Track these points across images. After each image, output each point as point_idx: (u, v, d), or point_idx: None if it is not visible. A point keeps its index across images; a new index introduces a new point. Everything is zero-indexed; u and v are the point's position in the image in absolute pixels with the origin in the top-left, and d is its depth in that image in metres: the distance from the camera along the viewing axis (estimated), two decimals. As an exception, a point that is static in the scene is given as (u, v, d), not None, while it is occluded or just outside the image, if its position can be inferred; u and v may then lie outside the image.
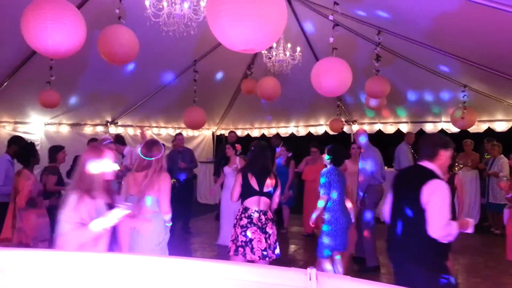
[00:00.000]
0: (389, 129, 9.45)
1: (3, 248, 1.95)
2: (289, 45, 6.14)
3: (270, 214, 3.94)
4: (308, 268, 1.47)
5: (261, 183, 3.89)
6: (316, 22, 6.32)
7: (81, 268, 1.77)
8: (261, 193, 3.88)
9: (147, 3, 4.04)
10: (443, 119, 8.61)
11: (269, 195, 3.93)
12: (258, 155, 4.03)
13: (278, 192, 4.05)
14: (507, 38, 4.30)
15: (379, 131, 9.54)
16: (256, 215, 3.83)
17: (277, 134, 10.69)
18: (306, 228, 7.17)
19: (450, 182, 4.48)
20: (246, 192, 3.90)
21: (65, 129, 7.98)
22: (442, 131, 8.72)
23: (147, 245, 3.39)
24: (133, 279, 1.71)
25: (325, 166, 4.59)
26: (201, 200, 10.28)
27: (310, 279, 1.46)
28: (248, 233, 3.77)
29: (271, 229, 3.86)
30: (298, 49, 6.18)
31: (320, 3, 5.66)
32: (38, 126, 7.53)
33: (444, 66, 6.42)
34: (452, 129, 8.32)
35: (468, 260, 5.78)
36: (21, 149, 4.60)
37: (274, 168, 7.49)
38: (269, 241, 3.81)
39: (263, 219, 3.84)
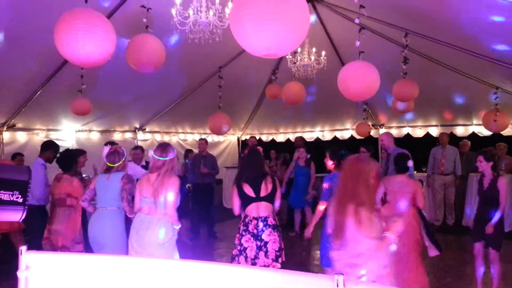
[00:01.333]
0: (418, 132, 9.24)
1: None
2: (314, 50, 6.12)
3: (271, 220, 3.75)
4: (335, 275, 1.45)
5: (256, 189, 3.74)
6: (341, 25, 6.27)
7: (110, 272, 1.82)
8: (258, 198, 3.74)
9: (173, 11, 4.12)
10: (475, 122, 8.35)
11: (269, 199, 3.78)
12: (247, 162, 3.89)
13: (278, 193, 3.87)
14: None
15: (408, 135, 9.34)
16: (253, 222, 3.71)
17: (301, 136, 10.63)
18: None
19: (493, 185, 4.33)
20: (244, 201, 3.78)
21: (95, 136, 8.22)
22: (473, 134, 8.46)
23: (152, 243, 3.47)
24: (153, 283, 1.74)
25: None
26: (226, 205, 10.33)
27: (337, 286, 1.44)
28: (243, 241, 3.69)
29: (269, 236, 3.67)
30: (323, 53, 6.14)
31: (345, 7, 5.63)
32: (70, 133, 7.78)
33: (474, 67, 6.23)
34: (484, 132, 8.06)
35: (504, 268, 5.51)
36: (63, 154, 4.73)
37: (290, 169, 7.47)
38: (265, 249, 3.65)
39: (261, 226, 3.69)
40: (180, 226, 3.71)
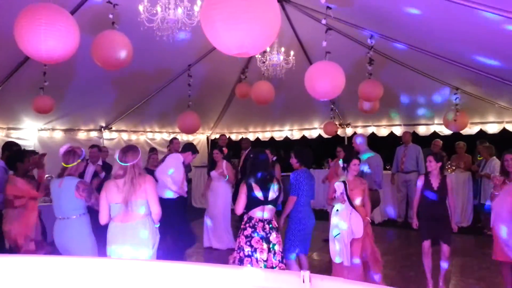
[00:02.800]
0: (383, 131, 9.51)
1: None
2: (282, 49, 6.18)
3: (274, 223, 3.83)
4: (301, 271, 1.48)
5: (265, 192, 3.78)
6: (309, 26, 6.37)
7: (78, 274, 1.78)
8: (266, 202, 3.77)
9: (140, 8, 4.05)
10: (436, 121, 8.67)
11: (274, 203, 3.85)
12: (258, 163, 3.90)
13: (281, 197, 3.98)
14: (498, 41, 4.37)
15: (373, 134, 9.60)
16: (260, 224, 3.73)
17: (247, 138, 10.73)
18: None
19: (443, 183, 4.53)
20: (251, 202, 3.77)
21: (58, 135, 7.96)
22: (434, 133, 8.80)
23: (142, 248, 3.36)
24: (131, 284, 1.72)
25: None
26: (195, 205, 10.26)
27: (303, 282, 1.47)
28: (253, 243, 3.69)
29: (275, 239, 3.76)
30: (292, 53, 6.21)
31: (313, 8, 5.71)
32: (32, 132, 7.51)
33: (436, 69, 6.49)
34: (445, 131, 8.39)
35: (461, 261, 5.82)
36: (11, 154, 4.62)
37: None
38: (273, 251, 3.72)
39: (267, 229, 3.74)
40: (159, 224, 3.55)
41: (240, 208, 3.80)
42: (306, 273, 1.48)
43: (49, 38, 3.25)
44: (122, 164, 3.37)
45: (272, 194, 3.81)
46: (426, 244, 4.59)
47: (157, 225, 3.54)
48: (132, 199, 3.32)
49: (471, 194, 7.92)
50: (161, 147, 9.67)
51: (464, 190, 7.95)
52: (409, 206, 8.29)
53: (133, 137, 9.58)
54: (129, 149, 3.47)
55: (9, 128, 7.17)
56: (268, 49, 6.00)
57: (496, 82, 5.61)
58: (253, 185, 3.78)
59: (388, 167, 9.11)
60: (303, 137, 10.51)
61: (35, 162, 4.64)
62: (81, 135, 8.41)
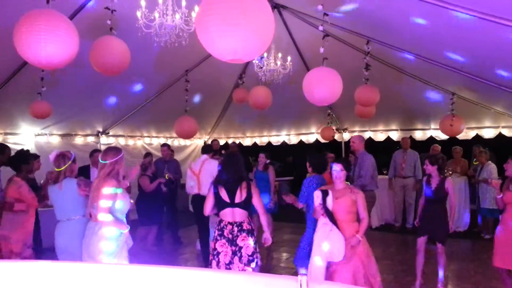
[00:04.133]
0: (380, 136, 9.55)
1: None
2: (280, 55, 6.21)
3: (246, 225, 3.80)
4: (299, 275, 1.49)
5: (231, 194, 3.77)
6: (307, 32, 6.40)
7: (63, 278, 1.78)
8: (232, 204, 3.77)
9: (138, 14, 4.07)
10: (432, 126, 8.72)
11: (244, 206, 3.80)
12: (227, 166, 3.90)
13: (255, 199, 3.86)
14: (493, 47, 4.41)
15: (370, 139, 9.63)
16: (228, 227, 3.74)
17: (235, 142, 10.85)
18: None
19: (441, 185, 4.59)
20: (218, 204, 3.81)
21: (55, 140, 7.94)
22: (431, 138, 8.84)
23: (97, 250, 3.34)
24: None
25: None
26: (192, 210, 10.23)
27: (301, 286, 1.48)
28: (217, 246, 3.73)
29: (243, 241, 3.72)
30: (289, 58, 6.24)
31: (310, 14, 5.75)
32: (29, 137, 7.49)
33: (432, 74, 6.53)
34: (441, 136, 8.43)
35: (458, 266, 5.84)
36: (16, 154, 4.62)
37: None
38: (239, 254, 3.69)
39: (235, 231, 3.73)
40: (128, 229, 3.51)
41: (207, 209, 3.88)
42: (303, 278, 1.49)
43: (49, 44, 3.26)
44: (102, 162, 3.47)
45: (238, 197, 3.77)
46: (420, 240, 4.75)
47: (124, 230, 3.47)
48: (94, 202, 3.36)
49: (468, 199, 7.96)
50: (158, 152, 9.66)
51: (461, 194, 7.98)
52: (406, 210, 8.32)
53: (130, 142, 9.57)
54: (110, 149, 3.61)
55: (6, 133, 7.15)
56: (265, 55, 6.03)
57: (491, 87, 5.66)
58: (219, 186, 3.80)
59: (385, 172, 9.15)
60: (301, 142, 10.53)
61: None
62: (78, 140, 8.39)
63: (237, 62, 3.11)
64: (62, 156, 3.84)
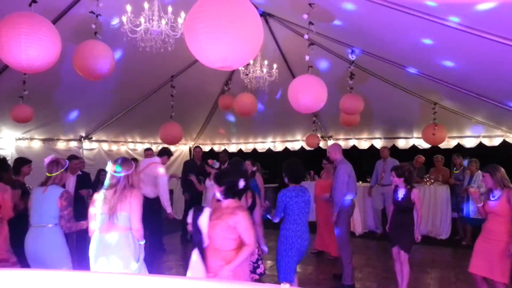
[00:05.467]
0: (363, 144, 9.66)
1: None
2: (266, 62, 6.25)
3: None
4: (282, 284, 1.49)
5: None
6: (292, 40, 6.46)
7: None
8: None
9: (124, 19, 4.05)
10: (415, 135, 8.87)
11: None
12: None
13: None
14: (474, 58, 4.52)
15: (354, 147, 9.73)
16: None
17: (225, 149, 10.89)
18: (315, 245, 6.99)
19: (408, 196, 4.71)
20: None
21: (37, 144, 7.79)
22: (413, 147, 8.98)
23: (123, 263, 3.30)
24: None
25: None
26: (177, 216, 10.13)
27: (284, 295, 1.48)
28: None
29: None
30: (275, 66, 6.28)
31: (296, 22, 5.81)
32: (9, 141, 7.34)
33: (415, 84, 6.65)
34: (424, 145, 8.58)
35: (439, 273, 5.90)
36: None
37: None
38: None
39: None
40: (144, 241, 3.52)
41: None
42: (286, 286, 1.49)
43: (30, 48, 3.21)
44: (116, 175, 3.41)
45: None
46: (393, 250, 4.87)
47: (142, 242, 3.49)
48: (117, 211, 3.32)
49: (449, 207, 8.08)
50: (143, 158, 9.57)
51: (443, 203, 8.11)
52: (387, 217, 8.43)
53: (114, 147, 9.45)
54: (124, 160, 3.55)
55: (-15, 137, 7.01)
56: (251, 62, 6.06)
57: (472, 97, 5.79)
58: None
59: (368, 179, 9.25)
60: (286, 149, 10.56)
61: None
62: (60, 145, 8.25)
63: (226, 70, 3.11)
64: (56, 163, 3.84)
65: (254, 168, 7.31)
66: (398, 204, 4.82)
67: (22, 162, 4.96)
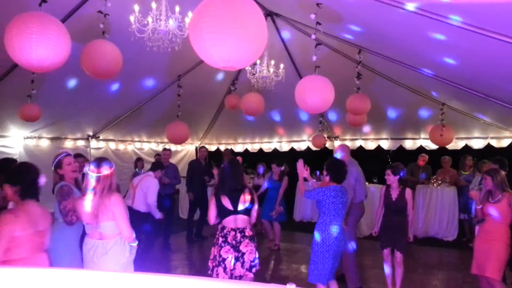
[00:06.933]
0: (370, 145, 9.61)
1: None
2: (272, 62, 6.24)
3: (248, 231, 3.86)
4: (288, 284, 1.48)
5: (234, 202, 3.83)
6: (299, 39, 6.45)
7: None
8: (235, 212, 3.82)
9: (131, 18, 4.06)
10: (422, 136, 8.81)
11: (246, 212, 3.87)
12: (228, 174, 3.93)
13: (255, 207, 3.95)
14: (483, 59, 4.48)
15: (360, 147, 9.69)
16: (231, 233, 3.79)
17: (227, 148, 10.95)
18: None
19: (401, 195, 4.72)
20: (222, 212, 3.85)
21: (45, 143, 7.86)
22: (421, 147, 8.92)
23: (108, 266, 3.22)
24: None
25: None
26: (183, 216, 10.18)
27: (290, 295, 1.47)
28: (222, 252, 3.75)
29: (245, 247, 3.77)
30: (282, 66, 6.28)
31: (303, 22, 5.80)
32: (17, 140, 7.41)
33: (423, 84, 6.61)
34: (431, 146, 8.51)
35: (446, 275, 5.86)
36: None
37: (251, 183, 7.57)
38: (241, 260, 3.75)
39: (239, 237, 3.79)
40: (137, 243, 3.44)
41: (212, 218, 3.90)
42: (292, 286, 1.48)
43: (40, 47, 3.24)
44: (95, 175, 3.25)
45: (241, 205, 3.85)
46: (385, 252, 4.86)
47: (134, 244, 3.40)
48: (100, 221, 3.20)
49: (456, 208, 8.02)
50: (149, 157, 9.62)
51: (450, 204, 8.05)
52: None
53: (121, 146, 9.50)
54: (102, 160, 3.37)
55: (-6, 136, 7.08)
56: (258, 62, 6.06)
57: (480, 98, 5.74)
58: (222, 196, 3.85)
59: (375, 180, 9.20)
60: (292, 149, 10.54)
61: None
62: (68, 144, 8.31)
63: (229, 70, 3.12)
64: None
65: (282, 168, 7.35)
66: (391, 204, 4.80)
67: (8, 162, 4.69)
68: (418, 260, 5.02)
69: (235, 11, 2.65)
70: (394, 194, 4.79)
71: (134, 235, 3.35)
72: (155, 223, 6.27)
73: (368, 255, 6.87)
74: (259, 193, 7.19)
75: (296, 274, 5.96)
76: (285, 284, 1.49)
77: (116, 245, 3.27)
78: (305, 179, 4.50)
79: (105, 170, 3.27)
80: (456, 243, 7.72)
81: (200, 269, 6.05)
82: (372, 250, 7.34)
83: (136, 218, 5.38)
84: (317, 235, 4.07)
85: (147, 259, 6.49)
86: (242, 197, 3.85)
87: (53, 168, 3.70)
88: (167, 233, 7.39)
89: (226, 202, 3.83)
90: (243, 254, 3.77)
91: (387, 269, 4.87)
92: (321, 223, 4.05)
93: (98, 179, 3.24)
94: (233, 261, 3.73)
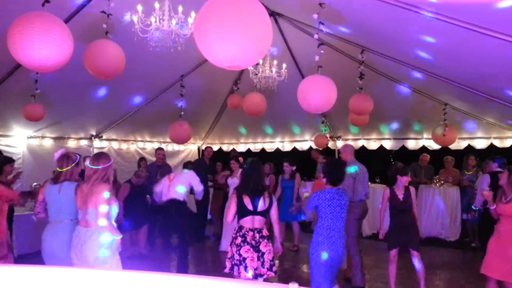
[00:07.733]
0: (373, 145, 9.59)
1: None
2: (275, 62, 6.24)
3: (265, 232, 3.91)
4: (290, 283, 1.49)
5: (255, 203, 3.87)
6: (302, 39, 6.45)
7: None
8: (255, 212, 3.86)
9: (135, 18, 4.08)
10: (425, 136, 8.78)
11: (264, 213, 3.92)
12: (251, 174, 3.96)
13: (274, 209, 4.00)
14: (486, 59, 4.48)
15: (363, 147, 9.67)
16: (250, 234, 3.82)
17: (233, 149, 10.96)
18: None
19: (406, 194, 4.77)
20: (241, 212, 3.88)
21: (48, 143, 7.89)
22: (423, 148, 8.90)
23: (90, 257, 3.30)
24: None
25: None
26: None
27: (292, 294, 1.48)
28: (242, 252, 3.76)
29: (265, 247, 3.83)
30: (284, 66, 6.28)
31: (305, 22, 5.80)
32: (21, 139, 7.43)
33: (425, 84, 6.60)
34: (433, 146, 8.49)
35: (448, 275, 5.85)
36: None
37: (273, 184, 7.58)
38: (262, 259, 3.80)
39: (257, 237, 3.83)
40: (121, 236, 3.46)
41: (230, 216, 3.93)
42: (294, 285, 1.49)
43: (43, 47, 3.26)
44: (93, 167, 3.45)
45: (261, 205, 3.89)
46: (393, 252, 4.85)
47: (118, 237, 3.42)
48: (88, 207, 3.35)
49: (459, 209, 8.00)
50: (152, 157, 9.62)
51: (452, 204, 8.03)
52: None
53: (124, 146, 9.52)
54: (101, 154, 3.65)
55: (-2, 135, 7.11)
56: (260, 62, 6.06)
57: (483, 98, 5.72)
58: (243, 195, 3.87)
59: (377, 180, 9.18)
60: (294, 149, 10.54)
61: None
62: (71, 143, 8.34)
63: (235, 69, 3.13)
64: (66, 157, 3.78)
65: (294, 168, 7.37)
66: (399, 205, 4.79)
67: (4, 161, 4.77)
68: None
69: (240, 10, 2.66)
70: (400, 195, 4.79)
71: (115, 227, 3.44)
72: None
73: (370, 255, 6.86)
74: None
75: (299, 274, 5.96)
76: (288, 283, 1.50)
77: (95, 234, 3.33)
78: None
79: (102, 163, 3.48)
80: (459, 244, 7.70)
81: (205, 268, 6.04)
82: (373, 250, 7.33)
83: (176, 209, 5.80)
84: (314, 241, 3.91)
85: (149, 257, 6.52)
86: (262, 199, 3.89)
87: (73, 165, 3.80)
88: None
89: (247, 202, 3.85)
90: (263, 253, 3.81)
91: (392, 270, 4.85)
92: (320, 226, 3.89)
93: (96, 171, 3.44)
94: (255, 261, 3.75)
